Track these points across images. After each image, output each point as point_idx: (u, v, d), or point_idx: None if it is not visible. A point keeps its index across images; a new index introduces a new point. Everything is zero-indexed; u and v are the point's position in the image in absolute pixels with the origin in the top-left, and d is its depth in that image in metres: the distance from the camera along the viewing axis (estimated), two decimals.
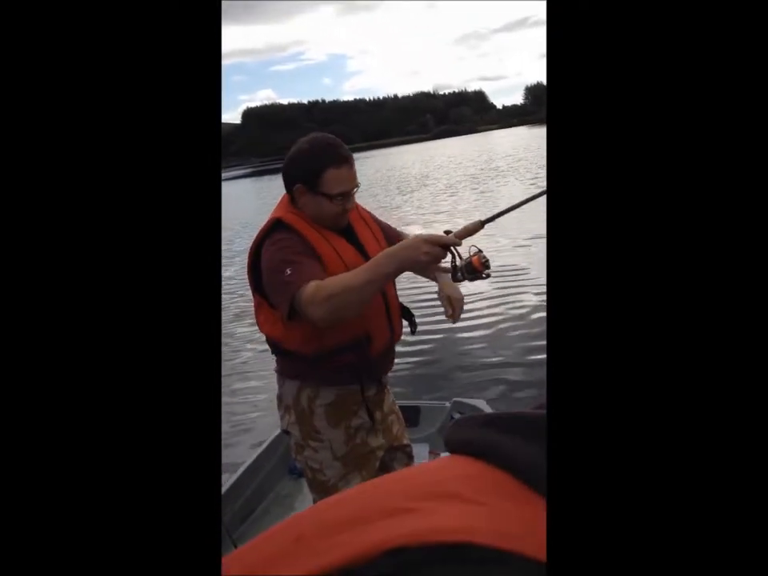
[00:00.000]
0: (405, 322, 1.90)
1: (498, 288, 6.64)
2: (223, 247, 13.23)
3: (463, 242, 1.52)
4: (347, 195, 1.67)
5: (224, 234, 15.93)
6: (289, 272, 1.53)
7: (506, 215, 1.55)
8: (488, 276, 1.45)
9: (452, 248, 1.46)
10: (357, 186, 1.70)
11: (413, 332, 1.92)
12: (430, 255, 1.43)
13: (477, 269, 1.45)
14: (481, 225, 1.54)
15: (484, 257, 1.45)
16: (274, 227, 1.65)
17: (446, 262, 1.56)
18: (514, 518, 0.26)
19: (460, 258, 1.48)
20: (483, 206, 13.02)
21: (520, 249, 8.51)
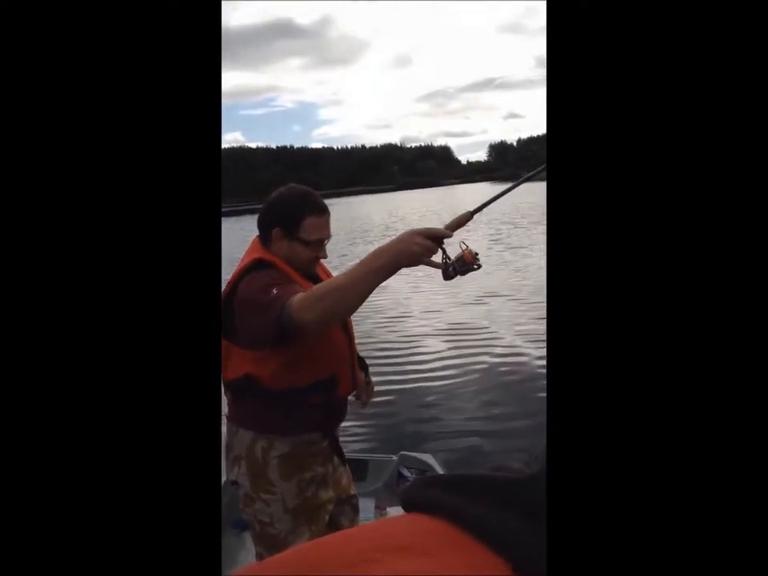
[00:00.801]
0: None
1: (454, 348, 6.57)
2: None
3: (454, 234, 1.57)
4: (321, 243, 1.79)
5: None
6: (275, 291, 1.55)
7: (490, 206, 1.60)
8: (479, 267, 1.52)
9: (442, 247, 1.52)
10: (330, 236, 1.81)
11: (367, 382, 2.01)
12: (421, 246, 1.46)
13: (468, 261, 1.52)
14: (470, 215, 1.57)
15: (473, 251, 1.54)
16: (255, 266, 1.69)
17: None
18: (463, 567, 0.28)
19: (449, 257, 1.56)
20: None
21: (474, 306, 8.52)
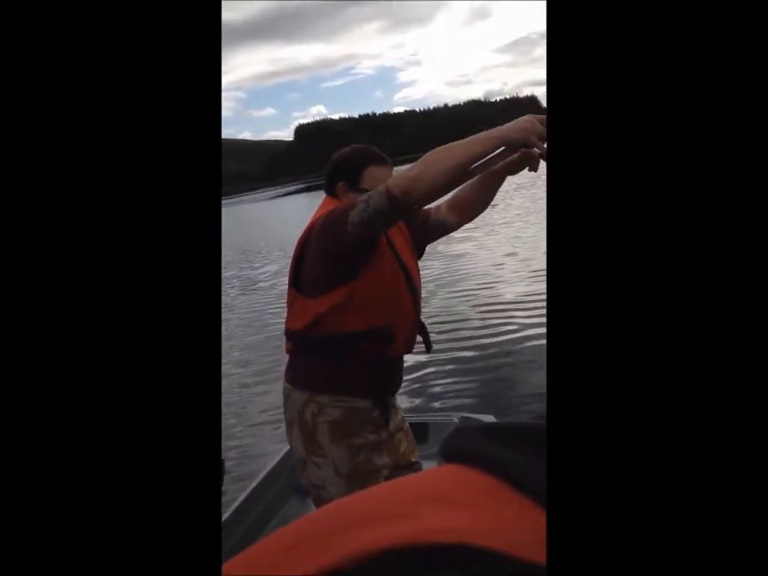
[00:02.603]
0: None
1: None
2: (262, 269, 12.94)
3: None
4: None
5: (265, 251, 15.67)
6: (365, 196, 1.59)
7: None
8: None
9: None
10: None
11: (428, 350, 2.01)
12: (533, 124, 1.47)
13: None
14: None
15: None
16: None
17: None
18: (504, 520, 0.28)
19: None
20: (534, 213, 12.97)
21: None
